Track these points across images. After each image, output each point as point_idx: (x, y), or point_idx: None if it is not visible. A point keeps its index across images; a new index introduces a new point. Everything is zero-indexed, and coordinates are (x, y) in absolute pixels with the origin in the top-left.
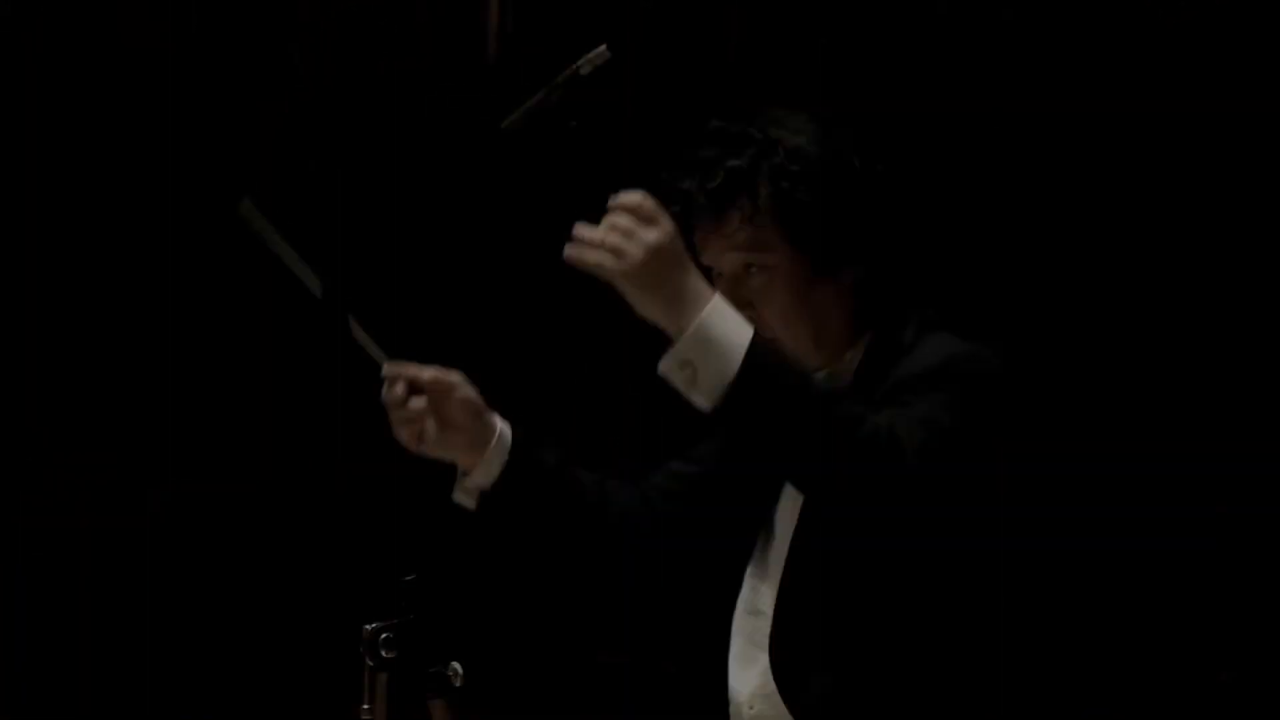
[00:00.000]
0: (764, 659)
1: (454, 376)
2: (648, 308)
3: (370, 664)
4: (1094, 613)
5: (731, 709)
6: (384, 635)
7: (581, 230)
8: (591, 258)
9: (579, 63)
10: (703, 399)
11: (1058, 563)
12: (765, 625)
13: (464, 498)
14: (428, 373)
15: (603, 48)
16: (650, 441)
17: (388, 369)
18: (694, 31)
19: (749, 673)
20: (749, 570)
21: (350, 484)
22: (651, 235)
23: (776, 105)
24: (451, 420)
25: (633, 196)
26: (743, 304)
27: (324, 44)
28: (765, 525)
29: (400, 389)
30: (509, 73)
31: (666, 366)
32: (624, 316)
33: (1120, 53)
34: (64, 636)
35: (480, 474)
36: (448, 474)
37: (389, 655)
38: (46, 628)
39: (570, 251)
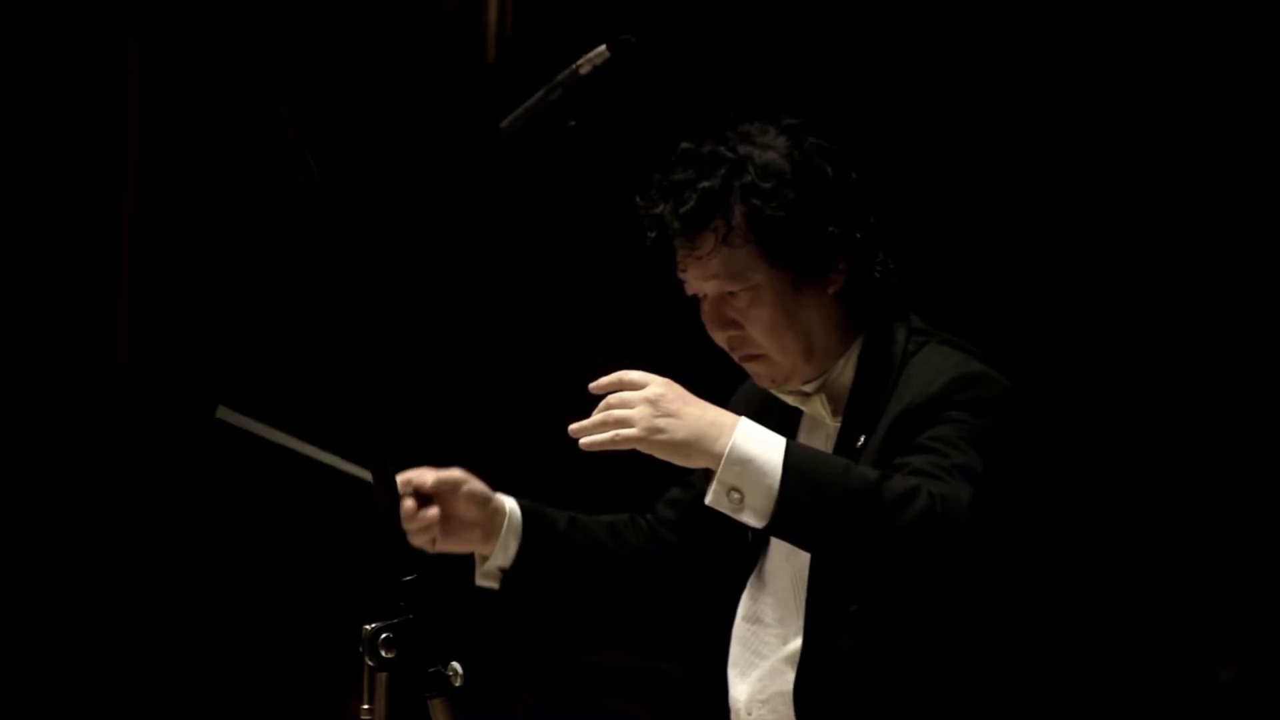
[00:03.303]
0: (763, 665)
1: (456, 473)
2: (681, 454)
3: (370, 664)
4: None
5: (731, 715)
6: (384, 635)
7: (578, 426)
8: (605, 438)
9: (578, 63)
10: (754, 518)
11: (1063, 566)
12: (764, 633)
13: (486, 581)
14: (430, 477)
15: (602, 48)
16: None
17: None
18: (694, 32)
19: (748, 679)
20: (750, 580)
21: (350, 484)
22: (649, 391)
23: (748, 119)
24: (462, 516)
25: (608, 378)
26: (729, 324)
27: (323, 43)
28: (764, 538)
29: (410, 502)
30: (508, 73)
31: (714, 498)
32: (624, 318)
33: (1120, 52)
34: (63, 636)
35: (498, 557)
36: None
37: (389, 655)
38: (46, 627)
39: (586, 444)
